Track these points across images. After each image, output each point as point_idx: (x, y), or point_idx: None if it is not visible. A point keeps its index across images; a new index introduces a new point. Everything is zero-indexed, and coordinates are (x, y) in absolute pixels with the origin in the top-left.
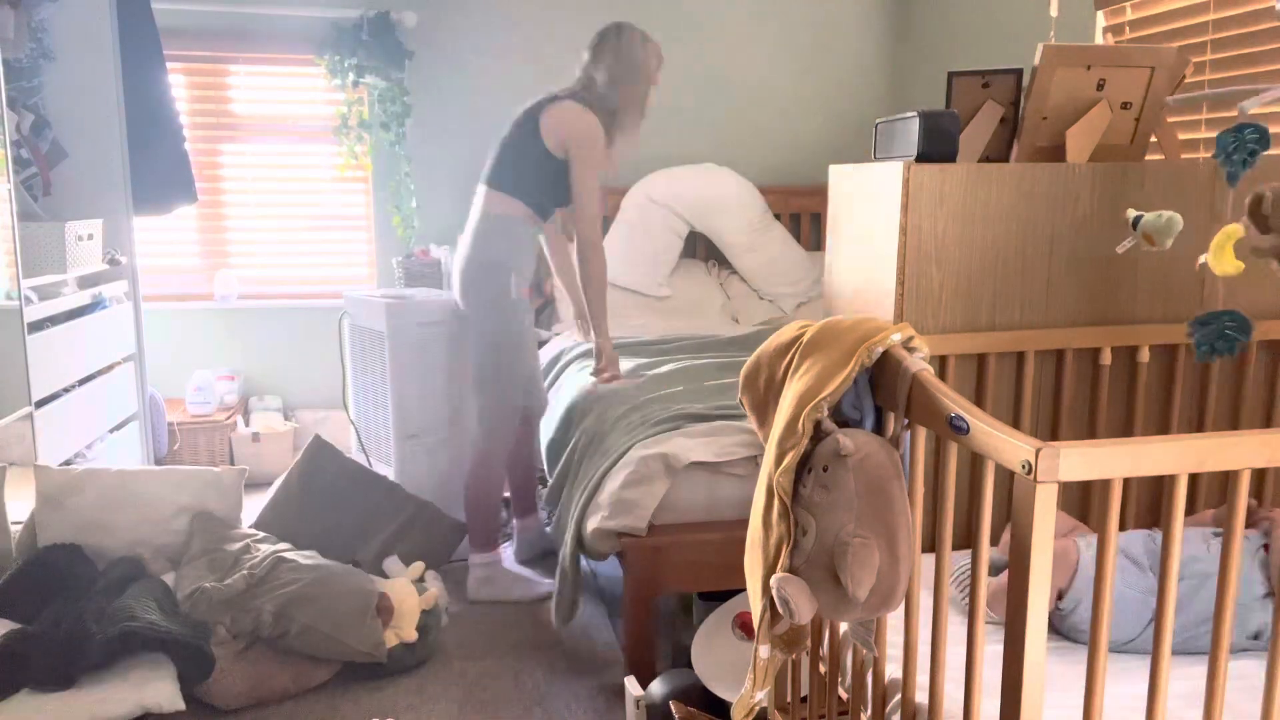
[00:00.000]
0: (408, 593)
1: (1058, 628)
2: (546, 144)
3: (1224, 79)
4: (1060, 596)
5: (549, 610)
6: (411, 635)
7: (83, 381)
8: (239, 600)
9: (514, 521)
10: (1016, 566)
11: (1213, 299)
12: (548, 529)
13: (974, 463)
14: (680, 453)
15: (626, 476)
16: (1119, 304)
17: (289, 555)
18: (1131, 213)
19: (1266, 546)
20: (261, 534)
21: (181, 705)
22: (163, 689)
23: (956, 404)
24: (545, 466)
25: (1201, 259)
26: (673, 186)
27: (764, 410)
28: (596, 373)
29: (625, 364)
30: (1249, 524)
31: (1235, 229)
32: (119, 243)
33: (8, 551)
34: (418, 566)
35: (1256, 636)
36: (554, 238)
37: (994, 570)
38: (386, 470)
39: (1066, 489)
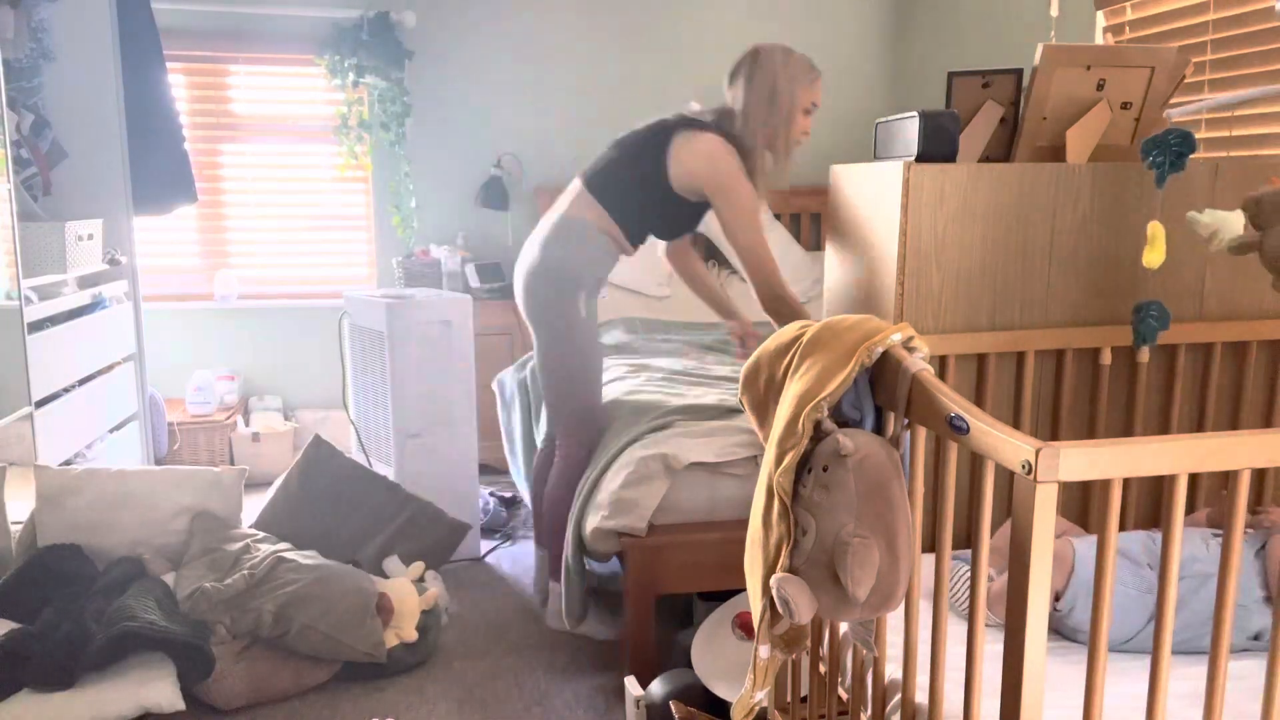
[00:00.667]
0: (408, 593)
1: (1056, 628)
2: (671, 174)
3: (1224, 79)
4: (1057, 598)
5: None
6: (411, 635)
7: (83, 381)
8: (239, 600)
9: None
10: (1016, 566)
11: (1213, 298)
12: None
13: (974, 463)
14: (680, 453)
15: (626, 476)
16: (1119, 304)
17: (289, 555)
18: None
19: (1264, 547)
20: (261, 534)
21: (181, 705)
22: (163, 689)
23: (956, 404)
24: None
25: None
26: None
27: (764, 410)
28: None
29: (623, 363)
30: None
31: (1159, 226)
32: (119, 243)
33: (8, 551)
34: (417, 566)
35: (1257, 637)
36: (678, 245)
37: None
38: (386, 470)
39: (1066, 489)
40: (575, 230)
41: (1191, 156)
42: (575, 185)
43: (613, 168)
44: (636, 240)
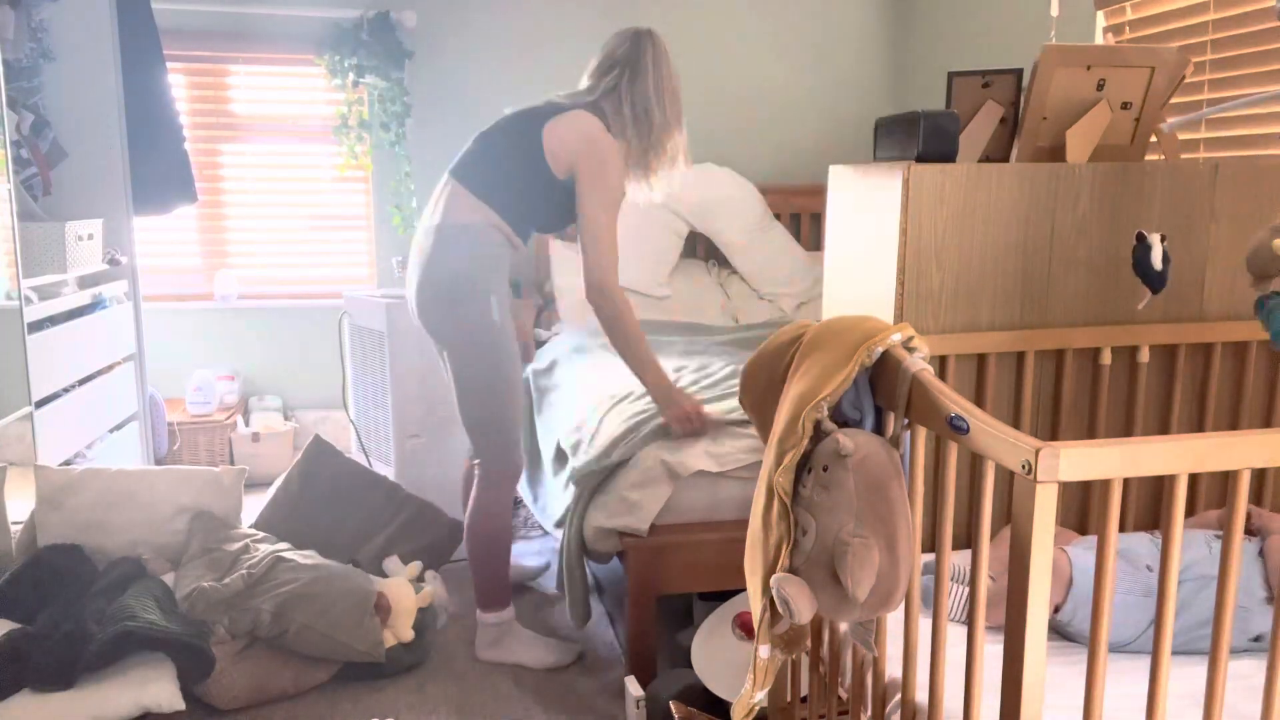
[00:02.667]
0: (405, 592)
1: (1057, 630)
2: (549, 158)
3: (1224, 79)
4: (1056, 610)
5: (552, 613)
6: (408, 634)
7: (83, 381)
8: (237, 600)
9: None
10: (1016, 567)
11: (1213, 298)
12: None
13: (974, 463)
14: (686, 460)
15: (631, 479)
16: (1119, 304)
17: (288, 555)
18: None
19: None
20: (261, 534)
21: (181, 705)
22: (163, 689)
23: (956, 404)
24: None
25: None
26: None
27: (764, 410)
28: (667, 424)
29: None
30: (1246, 530)
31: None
32: (119, 243)
33: (8, 551)
34: (415, 566)
35: (1258, 639)
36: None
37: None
38: (387, 470)
39: (1066, 489)
40: (463, 234)
41: (1190, 156)
42: (447, 186)
43: (487, 161)
44: (524, 235)
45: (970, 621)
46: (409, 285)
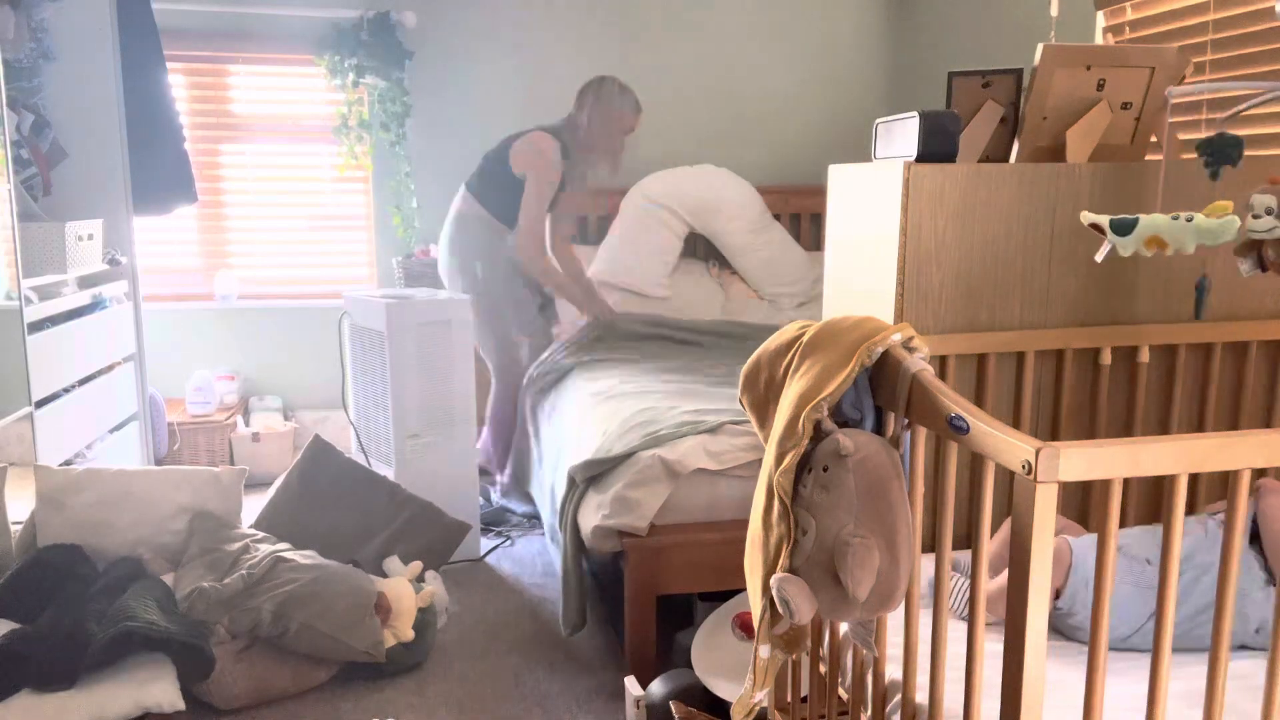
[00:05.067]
0: (405, 592)
1: (1057, 627)
2: (512, 166)
3: (1224, 79)
4: (1057, 595)
5: (551, 613)
6: (408, 634)
7: (83, 381)
8: (237, 600)
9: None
10: (1016, 567)
11: (1213, 298)
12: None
13: (974, 463)
14: (685, 459)
15: (630, 477)
16: (1119, 304)
17: (288, 555)
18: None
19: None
20: (261, 534)
21: (181, 705)
22: (163, 689)
23: (956, 404)
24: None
25: (1103, 251)
26: (671, 187)
27: (764, 410)
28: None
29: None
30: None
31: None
32: (119, 243)
33: (8, 551)
34: (415, 566)
35: (1259, 630)
36: (556, 244)
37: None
38: (387, 470)
39: (1066, 489)
40: (462, 222)
41: (1190, 157)
42: (461, 190)
43: (482, 172)
44: (507, 223)
45: (970, 621)
46: (441, 266)
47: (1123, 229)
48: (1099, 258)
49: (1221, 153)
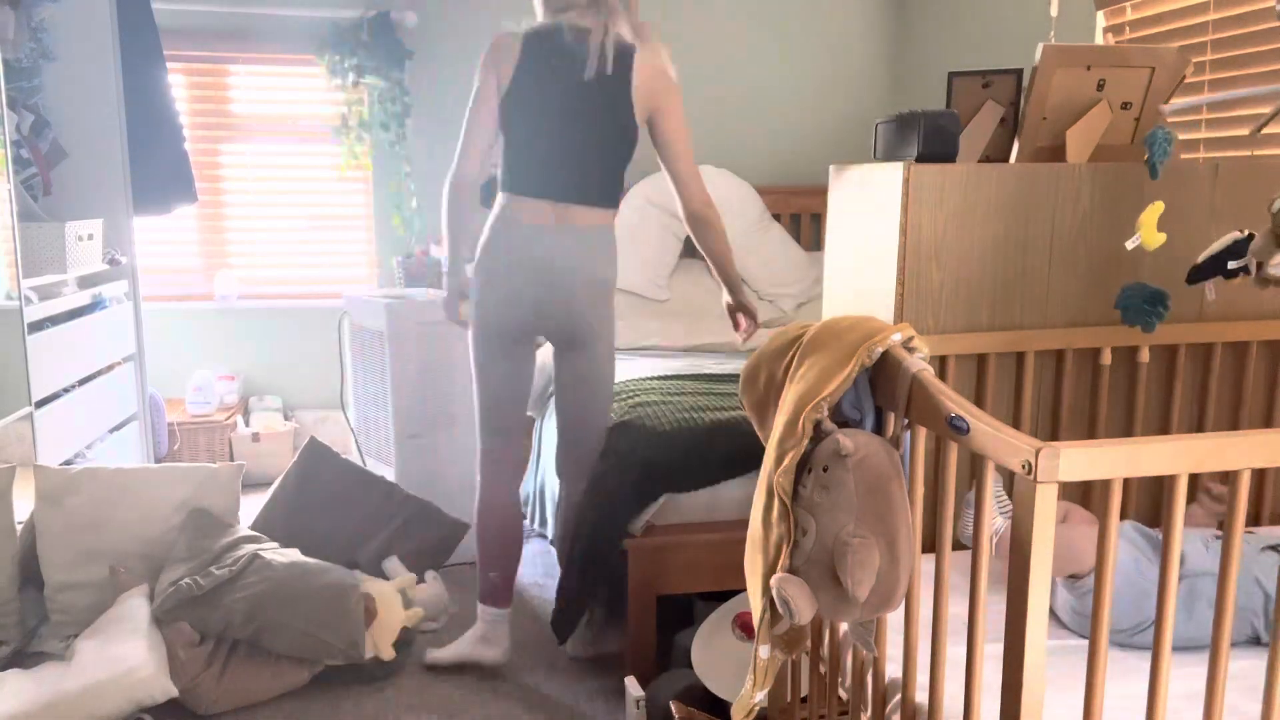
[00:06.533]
0: (393, 605)
1: (1074, 606)
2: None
3: (1224, 79)
4: (1085, 573)
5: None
6: (389, 653)
7: (83, 381)
8: (210, 598)
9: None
10: (1017, 567)
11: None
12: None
13: (974, 463)
14: None
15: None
16: None
17: (266, 553)
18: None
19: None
20: (251, 533)
21: (174, 692)
22: (154, 682)
23: (956, 404)
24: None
25: (1132, 241)
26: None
27: (764, 410)
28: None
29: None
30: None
31: (1158, 205)
32: (119, 243)
33: (13, 554)
34: (408, 579)
35: None
36: None
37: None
38: (386, 470)
39: (1067, 489)
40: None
41: (1190, 156)
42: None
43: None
44: None
45: (970, 621)
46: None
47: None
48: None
49: (1162, 149)
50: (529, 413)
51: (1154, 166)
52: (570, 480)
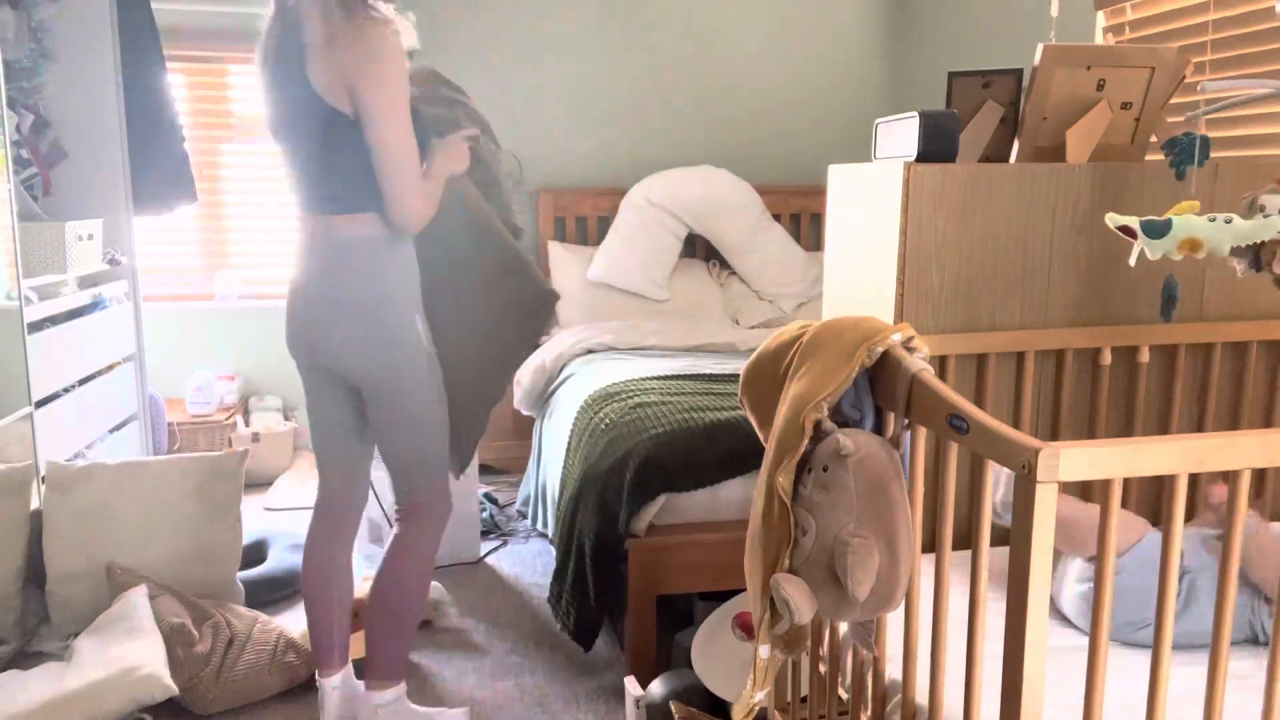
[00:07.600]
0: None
1: (1086, 595)
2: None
3: (1224, 79)
4: (1121, 553)
5: (550, 613)
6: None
7: (83, 381)
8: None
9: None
10: (1017, 567)
11: (1213, 298)
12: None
13: (974, 463)
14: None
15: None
16: (1119, 304)
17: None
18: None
19: None
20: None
21: (175, 689)
22: (152, 680)
23: (956, 404)
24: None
25: (1135, 254)
26: (671, 188)
27: (764, 410)
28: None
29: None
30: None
31: (1192, 203)
32: (119, 243)
33: (21, 552)
34: None
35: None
36: None
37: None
38: (383, 471)
39: (1067, 489)
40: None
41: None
42: None
43: None
44: None
45: (970, 622)
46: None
47: (1155, 231)
48: (1132, 261)
49: (1188, 152)
50: (527, 412)
51: (1180, 170)
52: (430, 519)
